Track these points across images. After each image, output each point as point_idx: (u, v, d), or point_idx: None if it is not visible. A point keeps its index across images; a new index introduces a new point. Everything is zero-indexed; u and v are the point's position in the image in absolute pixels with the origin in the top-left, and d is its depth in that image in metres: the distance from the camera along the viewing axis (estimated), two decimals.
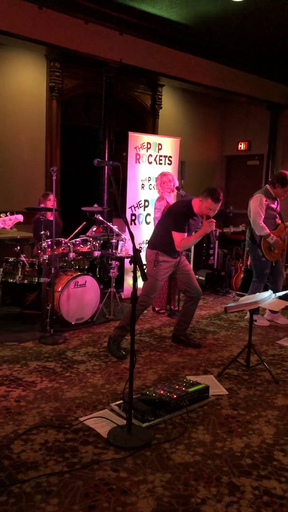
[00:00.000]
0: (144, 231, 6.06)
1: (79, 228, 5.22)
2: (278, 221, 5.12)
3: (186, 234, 4.05)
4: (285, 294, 4.01)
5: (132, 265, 2.64)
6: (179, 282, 4.48)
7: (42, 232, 4.59)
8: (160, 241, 4.14)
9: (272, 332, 4.97)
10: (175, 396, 3.07)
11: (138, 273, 2.64)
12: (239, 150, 9.89)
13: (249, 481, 2.41)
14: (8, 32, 5.25)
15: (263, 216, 4.90)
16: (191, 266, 6.72)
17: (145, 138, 5.98)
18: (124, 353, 4.06)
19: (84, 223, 5.31)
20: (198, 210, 4.01)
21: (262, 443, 2.77)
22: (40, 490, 2.26)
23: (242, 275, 6.57)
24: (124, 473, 2.42)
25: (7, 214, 3.85)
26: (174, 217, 4.06)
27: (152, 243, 4.21)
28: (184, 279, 4.31)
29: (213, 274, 6.79)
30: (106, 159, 6.43)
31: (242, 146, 9.82)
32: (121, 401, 3.13)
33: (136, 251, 2.57)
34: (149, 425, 2.88)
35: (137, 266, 2.54)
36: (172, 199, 5.46)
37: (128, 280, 6.01)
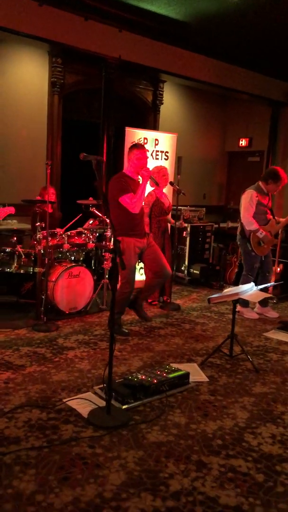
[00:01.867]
0: None
1: (73, 221, 5.36)
2: (269, 216, 5.24)
3: (132, 193, 4.19)
4: (265, 287, 4.13)
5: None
6: (148, 262, 4.57)
7: (38, 224, 4.75)
8: (119, 224, 4.27)
9: (260, 324, 5.10)
10: (155, 381, 3.21)
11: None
12: (240, 147, 9.98)
13: (217, 459, 2.55)
14: (9, 28, 5.40)
15: (252, 212, 5.01)
16: (187, 260, 6.89)
17: (142, 133, 6.10)
18: (127, 331, 4.49)
19: (80, 215, 5.45)
20: (133, 167, 4.25)
21: (235, 426, 2.92)
22: (19, 462, 2.43)
23: (236, 270, 6.69)
24: (99, 450, 2.58)
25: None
26: (114, 187, 4.24)
27: (117, 231, 4.27)
28: (151, 256, 4.49)
29: (208, 268, 6.92)
30: (105, 154, 6.56)
31: (243, 142, 9.91)
32: (104, 385, 3.28)
33: (116, 241, 2.71)
34: (128, 407, 3.03)
35: (116, 255, 2.68)
36: (166, 193, 5.58)
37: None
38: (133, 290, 4.48)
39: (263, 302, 5.38)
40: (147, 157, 4.29)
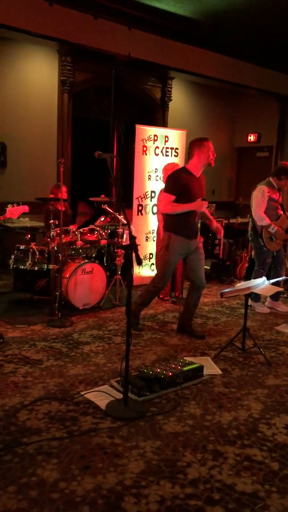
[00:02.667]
0: (151, 221, 6.26)
1: (87, 218, 5.44)
2: (280, 212, 5.28)
3: (174, 197, 4.07)
4: (277, 281, 4.18)
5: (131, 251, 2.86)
6: (187, 268, 4.46)
7: (51, 221, 4.83)
8: (170, 222, 4.24)
9: (271, 318, 5.15)
10: (170, 374, 3.29)
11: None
12: (249, 142, 9.99)
13: (233, 449, 2.62)
14: (20, 28, 5.48)
15: (264, 207, 5.06)
16: None
17: (152, 130, 6.16)
18: (141, 326, 4.52)
19: (92, 213, 5.54)
20: (202, 162, 4.09)
21: (249, 417, 2.98)
22: (41, 452, 2.51)
23: (246, 265, 6.73)
24: (118, 440, 2.66)
25: (14, 204, 4.10)
26: (167, 180, 4.20)
27: (166, 225, 4.33)
28: (193, 266, 4.32)
29: (219, 263, 6.97)
30: (115, 151, 6.63)
31: (251, 138, 9.93)
32: (120, 378, 3.36)
33: (132, 237, 2.78)
34: (145, 400, 3.11)
35: (132, 251, 2.75)
36: None
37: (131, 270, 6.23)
38: (164, 286, 4.47)
39: (274, 296, 5.43)
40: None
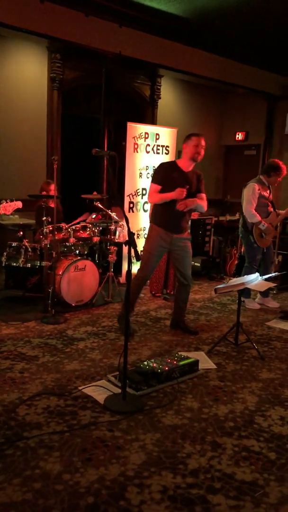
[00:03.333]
0: (142, 219, 6.29)
1: (81, 219, 5.45)
2: (270, 209, 5.36)
3: (158, 187, 4.12)
4: (270, 277, 4.26)
5: (127, 247, 2.89)
6: (173, 266, 4.51)
7: (44, 218, 4.84)
8: (153, 213, 4.32)
9: (262, 314, 5.24)
10: (166, 368, 3.34)
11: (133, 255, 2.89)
12: (237, 140, 10.09)
13: (231, 440, 2.68)
14: (10, 25, 5.45)
15: (254, 204, 5.14)
16: None
17: (143, 128, 6.19)
18: (131, 331, 4.33)
19: (87, 214, 5.55)
20: (187, 156, 4.11)
21: (245, 409, 3.05)
22: (43, 445, 2.54)
23: (236, 262, 6.82)
24: (118, 433, 2.70)
25: (7, 200, 4.10)
26: (154, 171, 4.23)
27: (150, 217, 4.40)
28: (178, 264, 4.35)
29: (209, 260, 7.05)
30: (106, 148, 6.65)
31: (239, 136, 10.02)
32: (117, 372, 3.39)
33: (131, 233, 2.81)
34: (142, 394, 3.15)
35: (131, 247, 2.78)
36: None
37: (125, 266, 6.26)
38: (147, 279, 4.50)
39: (265, 293, 5.52)
40: (204, 146, 4.09)
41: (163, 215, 4.20)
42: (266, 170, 5.26)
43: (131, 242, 2.79)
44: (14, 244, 5.08)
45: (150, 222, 4.35)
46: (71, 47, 6.37)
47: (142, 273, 4.35)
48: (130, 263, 2.90)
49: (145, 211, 6.29)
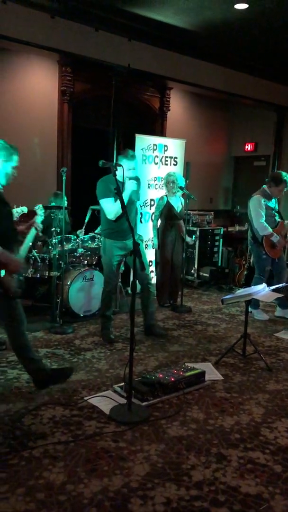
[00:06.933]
0: (150, 229, 6.31)
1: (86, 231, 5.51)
2: (277, 219, 5.35)
3: (113, 199, 4.13)
4: (277, 287, 4.24)
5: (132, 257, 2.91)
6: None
7: (53, 229, 4.88)
8: (102, 227, 4.44)
9: (271, 325, 5.20)
10: (172, 379, 3.33)
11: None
12: (246, 151, 10.10)
13: (236, 452, 2.66)
14: (22, 40, 5.56)
15: (263, 217, 5.13)
16: (196, 263, 6.99)
17: (151, 139, 6.24)
18: (113, 337, 4.45)
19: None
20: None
21: (251, 421, 3.02)
22: (47, 455, 2.54)
23: (245, 272, 6.79)
24: (123, 444, 2.69)
25: (14, 206, 4.18)
26: (97, 188, 4.28)
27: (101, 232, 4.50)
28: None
29: (217, 271, 7.03)
30: (115, 160, 6.70)
31: (248, 147, 10.03)
32: (123, 383, 3.39)
33: (136, 244, 2.83)
34: (148, 404, 3.15)
35: (136, 257, 2.80)
36: (179, 199, 5.69)
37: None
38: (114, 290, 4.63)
39: (284, 304, 5.45)
40: None
41: (107, 225, 4.38)
42: (268, 182, 5.27)
43: (136, 252, 2.80)
44: None
45: (102, 236, 4.50)
46: (81, 60, 6.46)
47: (109, 285, 4.52)
48: (135, 273, 2.91)
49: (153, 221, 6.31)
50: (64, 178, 4.81)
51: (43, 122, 7.19)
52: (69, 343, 4.36)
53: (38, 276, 5.06)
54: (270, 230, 5.11)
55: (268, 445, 2.74)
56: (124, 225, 3.98)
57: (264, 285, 4.08)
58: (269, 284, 4.35)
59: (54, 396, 3.26)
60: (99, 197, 4.26)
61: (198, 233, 7.00)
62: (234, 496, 2.27)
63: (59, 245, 4.98)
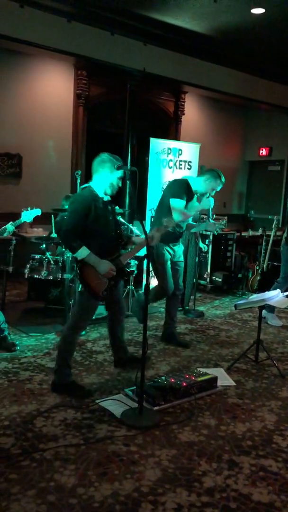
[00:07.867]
0: None
1: None
2: None
3: (184, 203, 4.20)
4: None
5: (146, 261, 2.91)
6: None
7: None
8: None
9: (284, 331, 5.15)
10: (184, 384, 3.31)
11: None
12: (261, 156, 10.06)
13: (248, 459, 2.63)
14: (39, 44, 5.62)
15: None
16: (209, 267, 6.95)
17: (166, 143, 6.25)
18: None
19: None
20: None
21: (264, 428, 2.99)
22: (59, 457, 2.55)
23: (258, 277, 6.75)
24: (134, 448, 2.68)
25: (28, 208, 4.21)
26: (172, 187, 4.31)
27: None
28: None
29: (230, 276, 6.99)
30: (129, 164, 6.73)
31: (263, 151, 9.99)
32: (135, 387, 3.38)
33: (150, 247, 2.83)
34: (159, 409, 3.13)
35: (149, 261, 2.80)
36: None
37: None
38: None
39: None
40: None
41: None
42: None
43: (149, 256, 2.80)
44: (37, 256, 5.15)
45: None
46: (97, 64, 6.52)
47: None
48: (148, 276, 2.91)
49: None
50: (78, 181, 4.81)
51: (58, 125, 7.25)
52: (81, 345, 4.36)
53: (51, 278, 5.08)
54: None
55: (281, 453, 2.71)
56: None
57: (278, 290, 4.05)
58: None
59: (65, 398, 3.26)
60: (171, 196, 4.20)
61: (211, 237, 6.97)
62: (246, 504, 2.25)
63: None
